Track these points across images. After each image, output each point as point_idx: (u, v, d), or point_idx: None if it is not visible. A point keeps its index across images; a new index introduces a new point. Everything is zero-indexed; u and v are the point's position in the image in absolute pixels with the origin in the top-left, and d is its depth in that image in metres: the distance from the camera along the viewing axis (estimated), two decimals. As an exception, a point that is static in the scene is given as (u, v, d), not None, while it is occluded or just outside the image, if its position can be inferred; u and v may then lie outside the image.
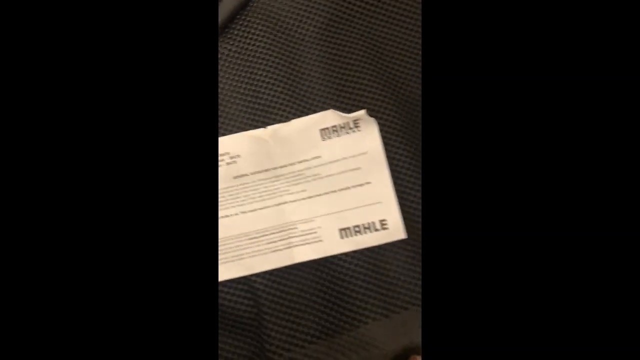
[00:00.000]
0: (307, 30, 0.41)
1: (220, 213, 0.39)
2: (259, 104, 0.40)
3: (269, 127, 0.39)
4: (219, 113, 0.40)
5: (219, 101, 0.40)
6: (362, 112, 0.38)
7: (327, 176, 0.38)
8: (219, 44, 0.41)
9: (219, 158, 0.39)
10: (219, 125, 0.40)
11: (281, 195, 0.39)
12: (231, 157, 0.39)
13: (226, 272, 0.38)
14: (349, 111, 0.39)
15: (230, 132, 0.40)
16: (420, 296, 0.37)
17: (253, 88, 0.40)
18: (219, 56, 0.41)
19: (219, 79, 0.40)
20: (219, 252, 0.38)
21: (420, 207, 0.38)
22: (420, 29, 0.41)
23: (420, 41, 0.41)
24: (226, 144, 0.39)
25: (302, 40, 0.41)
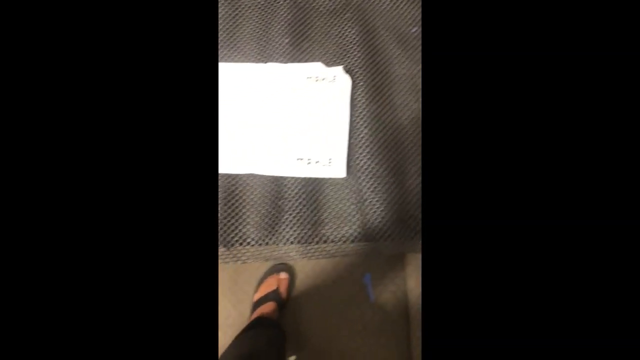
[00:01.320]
0: None
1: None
2: (267, 45, 0.49)
3: (268, 64, 0.48)
4: (234, 46, 0.50)
5: (236, 39, 0.50)
6: (339, 68, 0.46)
7: (300, 113, 0.46)
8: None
9: (223, 78, 0.48)
10: (229, 54, 0.49)
11: (260, 119, 0.46)
12: (233, 79, 0.48)
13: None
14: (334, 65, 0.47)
15: (236, 62, 0.49)
16: (349, 235, 0.42)
17: (265, 33, 0.49)
18: None
19: (239, 25, 0.50)
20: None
21: (364, 159, 0.44)
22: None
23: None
24: (229, 68, 0.48)
25: None
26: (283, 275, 0.86)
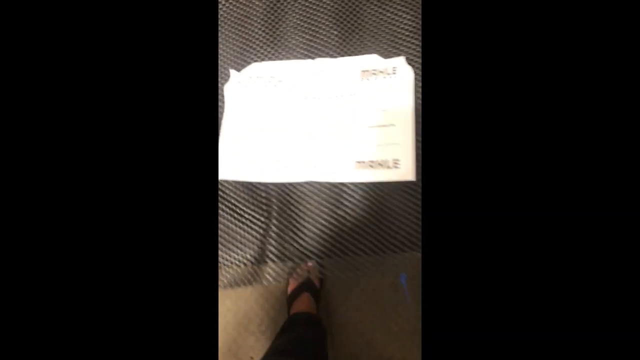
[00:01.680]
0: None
1: (254, 124, 0.44)
2: (314, 39, 0.45)
3: (317, 59, 0.43)
4: (278, 41, 0.45)
5: (280, 31, 0.45)
6: (401, 59, 0.41)
7: (357, 112, 0.42)
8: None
9: (268, 79, 0.44)
10: (272, 51, 0.45)
11: (313, 120, 0.42)
12: (279, 80, 0.44)
13: (250, 172, 0.42)
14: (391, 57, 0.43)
15: (280, 59, 0.45)
16: (418, 241, 0.38)
17: (311, 25, 0.45)
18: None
19: (284, 13, 0.46)
20: (250, 152, 0.43)
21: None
22: None
23: None
24: (273, 68, 0.44)
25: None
26: (310, 263, 0.81)
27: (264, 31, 0.46)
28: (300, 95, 0.43)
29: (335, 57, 0.44)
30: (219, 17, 0.47)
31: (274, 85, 0.44)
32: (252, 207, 0.42)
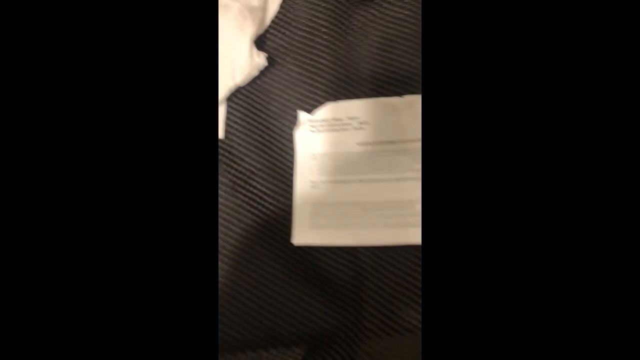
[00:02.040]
0: None
1: (337, 177, 0.37)
2: (394, 70, 0.38)
3: (406, 97, 0.37)
4: (349, 75, 0.39)
5: (350, 62, 0.39)
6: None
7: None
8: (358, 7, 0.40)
9: (347, 121, 0.38)
10: (348, 88, 0.38)
11: (403, 171, 0.36)
12: (360, 123, 0.38)
13: (333, 237, 0.36)
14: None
15: (360, 96, 0.38)
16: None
17: (389, 53, 0.39)
18: (358, 19, 0.40)
19: (355, 39, 0.39)
20: (330, 215, 0.36)
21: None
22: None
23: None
24: (356, 108, 0.38)
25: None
26: None
27: (331, 62, 0.40)
28: (386, 139, 0.37)
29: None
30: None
31: (355, 128, 0.38)
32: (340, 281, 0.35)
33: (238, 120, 0.41)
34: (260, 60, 0.40)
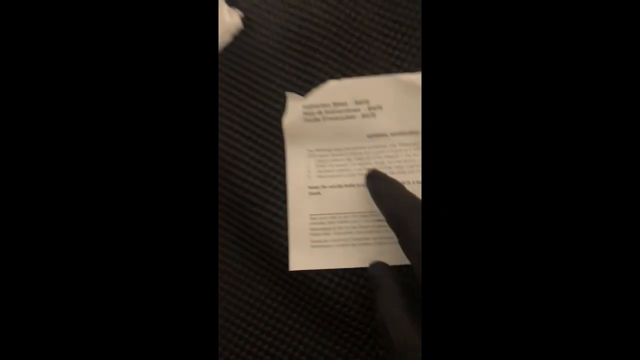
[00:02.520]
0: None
1: (341, 180, 0.29)
2: (410, 38, 0.29)
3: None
4: (356, 43, 0.29)
5: (360, 35, 0.29)
6: None
7: None
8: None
9: (353, 106, 0.29)
10: (355, 60, 0.29)
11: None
12: (370, 108, 0.29)
13: (340, 258, 0.28)
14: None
15: (371, 72, 0.29)
16: None
17: (408, 13, 0.29)
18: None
19: (362, 8, 0.29)
20: (332, 231, 0.29)
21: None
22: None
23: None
24: (365, 88, 0.29)
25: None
26: None
27: (329, 25, 0.30)
28: (405, 129, 0.28)
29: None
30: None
31: (364, 115, 0.29)
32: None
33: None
34: (233, 20, 0.30)
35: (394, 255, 0.28)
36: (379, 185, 0.26)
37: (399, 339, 0.19)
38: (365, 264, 0.27)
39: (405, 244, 0.21)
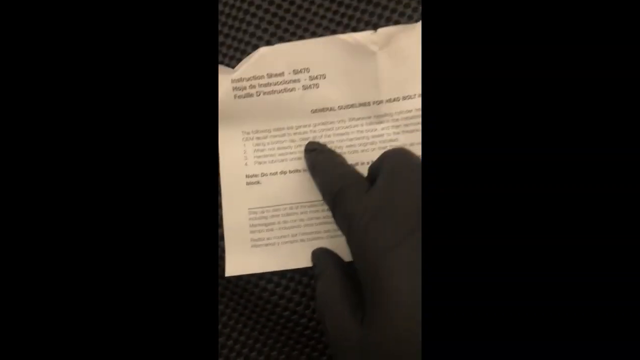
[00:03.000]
0: None
1: (285, 166, 0.24)
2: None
3: (381, 31, 0.23)
4: (289, 7, 0.24)
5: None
6: None
7: None
8: None
9: (292, 77, 0.24)
10: (292, 25, 0.24)
11: (383, 148, 0.24)
12: (311, 78, 0.24)
13: (290, 256, 0.24)
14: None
15: (313, 34, 0.24)
16: None
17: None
18: None
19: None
20: (275, 226, 0.24)
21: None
22: None
23: None
24: (305, 53, 0.24)
25: None
26: None
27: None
28: (355, 100, 0.24)
29: (411, 20, 0.24)
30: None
31: (305, 87, 0.24)
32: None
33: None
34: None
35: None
36: (315, 158, 0.23)
37: (334, 326, 0.17)
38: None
39: (338, 220, 0.19)
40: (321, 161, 0.22)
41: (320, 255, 0.22)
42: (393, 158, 0.19)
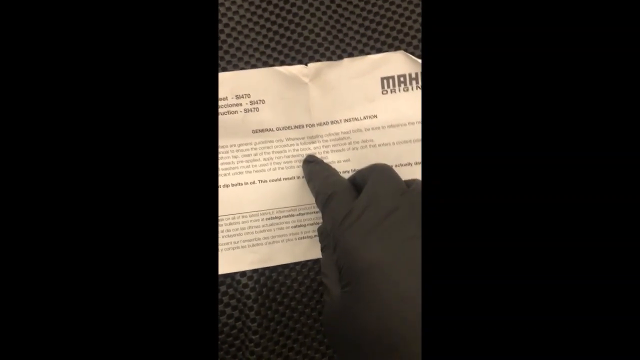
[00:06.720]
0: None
1: (228, 179, 0.27)
2: (293, 32, 0.28)
3: (311, 65, 0.28)
4: (234, 43, 0.28)
5: (235, 27, 0.28)
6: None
7: (381, 145, 0.28)
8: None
9: (234, 101, 0.27)
10: (233, 58, 0.28)
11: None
12: (252, 102, 0.27)
13: (233, 262, 0.27)
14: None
15: (254, 65, 0.28)
16: None
17: (286, 11, 0.28)
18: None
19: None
20: (222, 233, 0.27)
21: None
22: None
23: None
24: (246, 81, 0.27)
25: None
26: None
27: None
28: (290, 123, 0.28)
29: (338, 57, 0.28)
30: None
31: (247, 110, 0.27)
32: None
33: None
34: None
35: (288, 252, 0.27)
36: (313, 168, 0.26)
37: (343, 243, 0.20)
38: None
39: (326, 218, 0.22)
40: (317, 171, 0.26)
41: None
42: (375, 171, 0.23)
